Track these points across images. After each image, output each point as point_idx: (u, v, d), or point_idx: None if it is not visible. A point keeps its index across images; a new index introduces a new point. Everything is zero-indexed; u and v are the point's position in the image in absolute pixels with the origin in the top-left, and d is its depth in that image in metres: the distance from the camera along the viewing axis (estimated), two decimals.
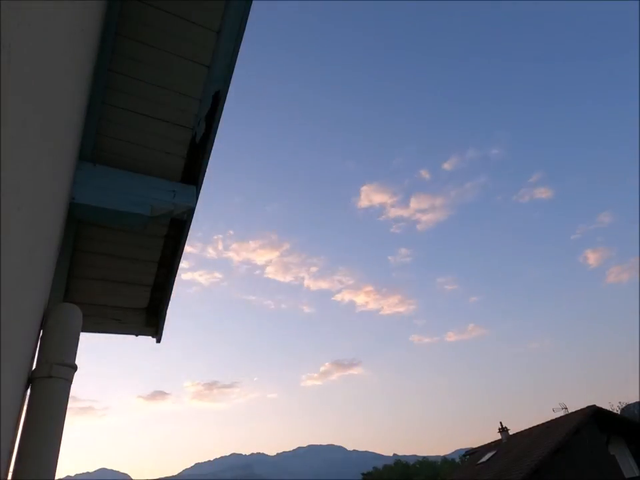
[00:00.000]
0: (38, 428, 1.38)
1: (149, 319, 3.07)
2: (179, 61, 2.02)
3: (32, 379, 1.46)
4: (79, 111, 1.68)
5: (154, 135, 2.23)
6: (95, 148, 2.19)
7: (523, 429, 22.99)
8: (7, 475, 1.26)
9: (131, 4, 1.83)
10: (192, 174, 2.43)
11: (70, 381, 1.53)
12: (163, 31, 1.93)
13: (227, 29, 1.97)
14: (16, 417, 1.29)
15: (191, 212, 2.44)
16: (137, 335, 3.15)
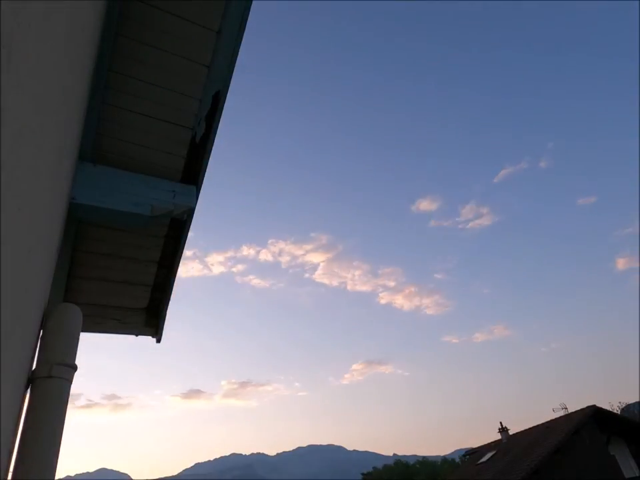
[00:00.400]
0: (38, 428, 1.38)
1: (148, 319, 3.07)
2: (178, 61, 2.02)
3: (32, 379, 1.46)
4: (79, 111, 1.68)
5: (154, 135, 2.23)
6: (94, 148, 2.19)
7: (523, 429, 23.00)
8: (7, 475, 1.26)
9: (131, 4, 1.83)
10: (192, 174, 2.43)
11: (70, 381, 1.53)
12: (163, 31, 1.93)
13: (227, 29, 1.97)
14: (16, 417, 1.29)
15: (191, 212, 2.44)
16: (136, 335, 3.15)
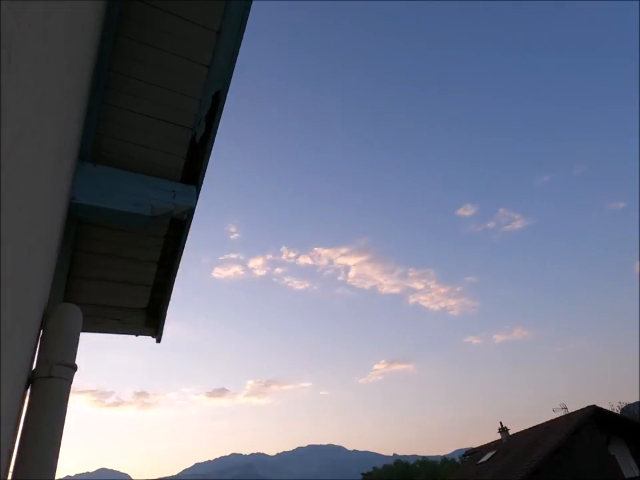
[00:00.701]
0: (38, 428, 1.38)
1: (148, 319, 3.07)
2: (178, 61, 2.02)
3: (32, 379, 1.46)
4: (78, 111, 1.68)
5: (154, 135, 2.23)
6: (94, 148, 2.19)
7: (523, 429, 22.99)
8: (7, 475, 1.26)
9: (131, 4, 1.83)
10: (192, 174, 2.43)
11: (70, 381, 1.53)
12: (163, 31, 1.93)
13: (227, 29, 1.97)
14: (16, 417, 1.29)
15: (191, 212, 2.44)
16: (137, 335, 3.15)
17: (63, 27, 0.99)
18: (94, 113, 2.05)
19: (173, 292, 2.93)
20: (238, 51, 2.06)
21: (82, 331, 1.72)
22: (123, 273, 2.75)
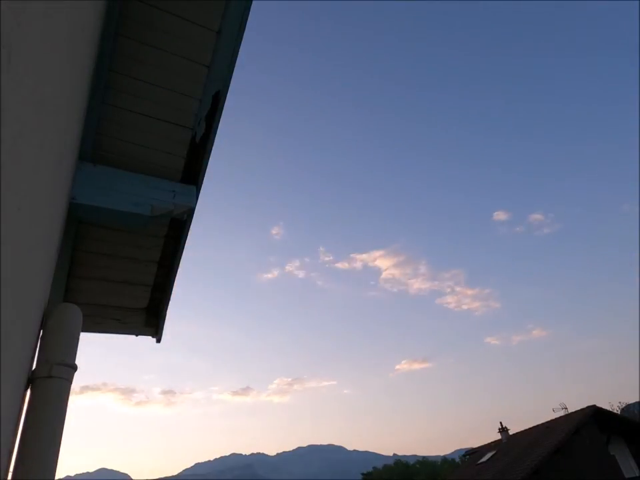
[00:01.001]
0: (38, 428, 1.38)
1: (148, 319, 3.07)
2: (178, 61, 2.02)
3: (32, 379, 1.46)
4: (79, 110, 1.68)
5: (154, 135, 2.23)
6: (95, 148, 2.19)
7: (523, 429, 22.99)
8: (7, 475, 1.26)
9: (131, 4, 1.83)
10: (192, 174, 2.43)
11: (70, 381, 1.53)
12: (163, 31, 1.93)
13: (227, 28, 1.97)
14: (16, 417, 1.29)
15: (191, 212, 2.44)
16: (137, 335, 3.15)
17: (63, 26, 0.99)
18: (94, 112, 2.05)
19: (173, 292, 2.93)
20: (238, 51, 2.06)
21: (82, 331, 1.72)
22: (123, 273, 2.75)
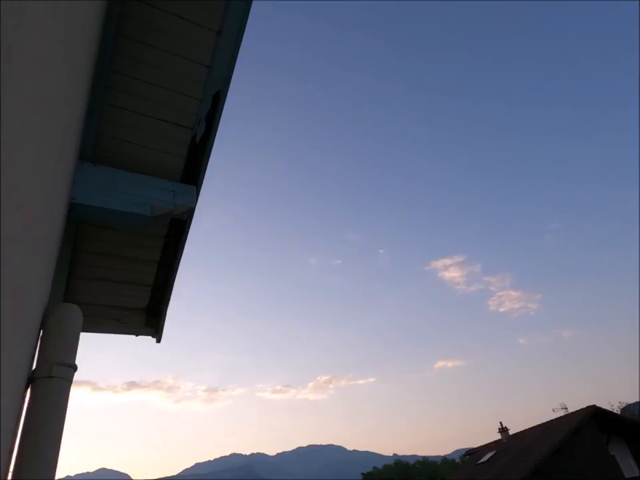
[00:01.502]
0: (38, 428, 1.38)
1: (148, 319, 3.07)
2: (179, 61, 2.02)
3: (32, 379, 1.46)
4: (79, 111, 1.68)
5: (154, 135, 2.23)
6: (95, 148, 2.19)
7: (523, 429, 22.99)
8: (7, 475, 1.26)
9: (131, 4, 1.83)
10: (192, 174, 2.43)
11: (70, 381, 1.53)
12: (163, 31, 1.93)
13: (227, 29, 1.97)
14: (16, 417, 1.29)
15: (191, 212, 2.44)
16: (137, 335, 3.15)
17: (63, 26, 0.99)
18: (94, 113, 2.05)
19: (172, 292, 2.93)
20: (238, 51, 2.06)
21: (82, 331, 1.72)
22: (123, 273, 2.75)
